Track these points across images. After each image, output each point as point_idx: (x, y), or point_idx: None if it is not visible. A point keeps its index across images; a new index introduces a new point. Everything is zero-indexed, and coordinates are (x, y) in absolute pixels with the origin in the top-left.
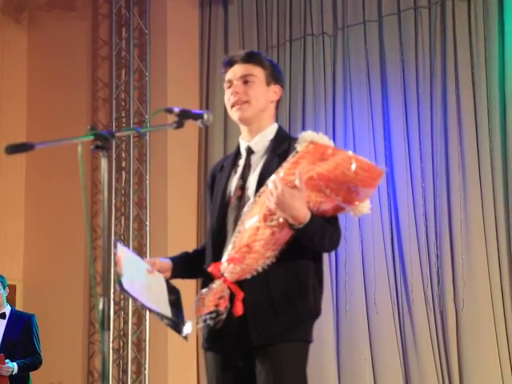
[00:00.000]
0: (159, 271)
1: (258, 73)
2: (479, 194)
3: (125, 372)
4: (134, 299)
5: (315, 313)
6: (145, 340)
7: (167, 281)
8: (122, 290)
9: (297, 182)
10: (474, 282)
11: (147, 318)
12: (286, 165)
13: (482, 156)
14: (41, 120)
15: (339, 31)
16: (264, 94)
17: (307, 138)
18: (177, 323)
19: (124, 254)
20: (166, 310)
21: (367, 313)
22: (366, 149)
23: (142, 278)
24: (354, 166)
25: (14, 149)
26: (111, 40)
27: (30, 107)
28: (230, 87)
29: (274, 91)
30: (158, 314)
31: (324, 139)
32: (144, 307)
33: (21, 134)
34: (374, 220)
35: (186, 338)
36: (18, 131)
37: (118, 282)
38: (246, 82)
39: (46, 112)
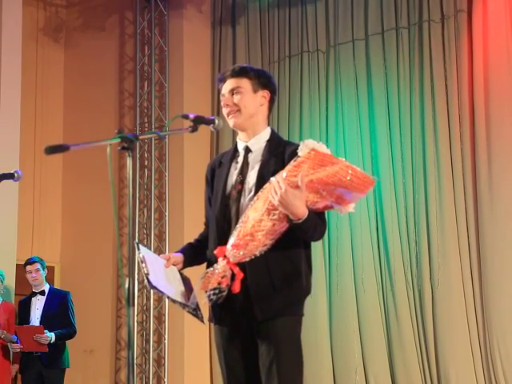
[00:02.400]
0: (173, 264)
1: (245, 84)
2: (452, 189)
3: (147, 341)
4: (161, 293)
5: (307, 291)
6: (164, 314)
7: (179, 272)
8: (151, 286)
9: (299, 184)
10: (448, 264)
11: None
12: (288, 167)
13: (454, 155)
14: (76, 125)
15: (331, 48)
16: (252, 100)
17: (310, 145)
18: (195, 309)
19: (146, 254)
20: (186, 300)
21: (355, 291)
22: (354, 150)
23: (162, 272)
24: (350, 175)
25: (52, 150)
26: (136, 56)
27: (66, 114)
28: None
29: (263, 96)
30: (180, 303)
31: (323, 147)
32: (169, 299)
33: (58, 137)
34: (361, 211)
35: (203, 321)
36: (55, 136)
37: (147, 279)
38: (234, 94)
39: (80, 118)
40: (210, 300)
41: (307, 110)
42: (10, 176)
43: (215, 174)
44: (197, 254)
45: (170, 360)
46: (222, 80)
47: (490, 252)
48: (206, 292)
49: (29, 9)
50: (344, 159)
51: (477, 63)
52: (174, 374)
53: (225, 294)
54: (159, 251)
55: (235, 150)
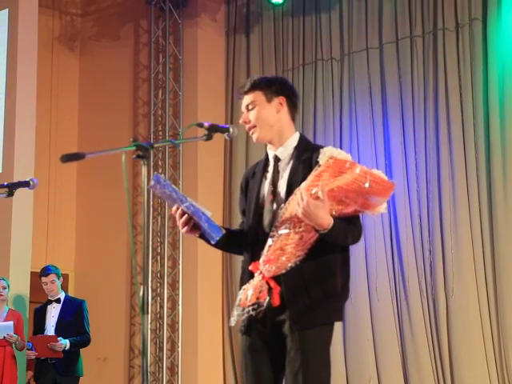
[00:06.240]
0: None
1: (258, 97)
2: (466, 198)
3: (161, 349)
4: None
5: (344, 297)
6: (178, 322)
7: None
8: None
9: (320, 194)
10: (462, 273)
11: (180, 303)
12: (310, 178)
13: (468, 165)
14: (90, 132)
15: (345, 57)
16: (268, 111)
17: (328, 153)
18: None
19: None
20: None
21: (369, 300)
22: (369, 158)
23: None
24: (368, 181)
25: (68, 158)
26: (150, 64)
27: (81, 121)
28: None
29: (279, 103)
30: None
31: (342, 154)
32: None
33: (73, 145)
34: (375, 219)
35: (216, 241)
36: (70, 143)
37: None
38: (250, 109)
39: (94, 126)
40: (250, 316)
41: (321, 118)
42: (25, 184)
43: (249, 184)
44: (224, 237)
45: (184, 368)
46: (240, 98)
47: (505, 261)
48: (245, 308)
49: (44, 18)
50: (361, 165)
51: (491, 72)
52: (188, 381)
53: (263, 308)
54: (173, 259)
55: (266, 159)
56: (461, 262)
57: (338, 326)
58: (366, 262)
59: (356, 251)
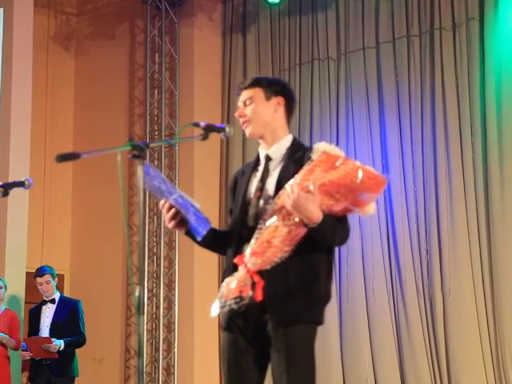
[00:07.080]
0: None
1: (256, 93)
2: (463, 197)
3: (157, 350)
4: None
5: (326, 298)
6: (174, 322)
7: None
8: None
9: (311, 188)
10: (459, 273)
11: (176, 303)
12: (302, 172)
13: (465, 165)
14: (86, 132)
15: (342, 56)
16: (265, 108)
17: (320, 148)
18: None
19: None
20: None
21: (366, 300)
22: (365, 158)
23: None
24: (360, 175)
25: (64, 158)
26: (146, 64)
27: (76, 121)
28: None
29: (277, 102)
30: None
31: (335, 150)
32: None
33: (68, 145)
34: (372, 219)
35: (201, 238)
36: (65, 143)
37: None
38: (247, 105)
39: (90, 126)
40: (232, 309)
41: (317, 118)
42: (20, 184)
43: (237, 182)
44: (211, 235)
45: (180, 368)
46: (238, 94)
47: (502, 261)
48: (227, 301)
49: (39, 17)
50: (354, 161)
51: (488, 71)
52: (184, 382)
53: (246, 302)
54: (169, 259)
55: (257, 159)
56: (458, 261)
57: (334, 326)
58: (363, 262)
59: (353, 251)
